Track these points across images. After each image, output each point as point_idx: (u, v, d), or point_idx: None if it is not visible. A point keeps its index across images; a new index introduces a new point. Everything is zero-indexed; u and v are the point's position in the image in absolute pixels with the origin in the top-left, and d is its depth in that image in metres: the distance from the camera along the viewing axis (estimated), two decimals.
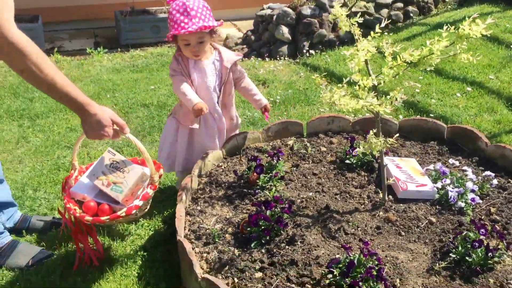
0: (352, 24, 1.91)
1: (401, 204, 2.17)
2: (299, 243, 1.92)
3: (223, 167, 2.47)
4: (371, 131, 2.00)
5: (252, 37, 5.54)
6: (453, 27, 1.87)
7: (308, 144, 2.60)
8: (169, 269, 2.13)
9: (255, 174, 2.25)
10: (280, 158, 2.37)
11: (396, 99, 1.93)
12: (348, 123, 2.70)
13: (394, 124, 2.68)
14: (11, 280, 2.14)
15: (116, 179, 2.02)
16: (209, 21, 2.23)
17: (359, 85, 1.90)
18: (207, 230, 2.04)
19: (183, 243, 1.88)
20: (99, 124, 1.85)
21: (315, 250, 1.88)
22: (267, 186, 2.27)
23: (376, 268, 1.72)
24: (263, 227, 1.93)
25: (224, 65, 2.37)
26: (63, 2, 6.14)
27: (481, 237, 1.79)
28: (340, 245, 1.91)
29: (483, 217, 2.06)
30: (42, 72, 1.67)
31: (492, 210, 2.10)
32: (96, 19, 6.37)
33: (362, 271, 1.69)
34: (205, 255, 1.93)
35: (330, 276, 1.74)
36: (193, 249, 1.96)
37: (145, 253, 2.25)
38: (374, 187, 2.29)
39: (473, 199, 2.09)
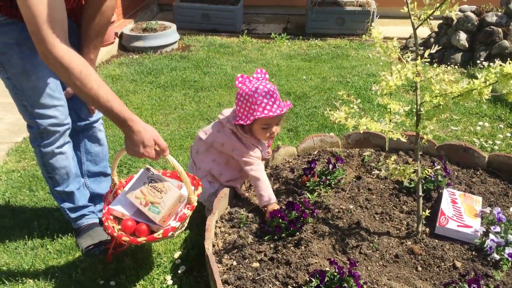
0: (391, 47, 1.88)
1: (436, 240, 2.06)
2: (303, 247, 2.02)
3: (292, 163, 2.63)
4: (392, 156, 1.95)
5: (431, 40, 5.29)
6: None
7: (382, 159, 2.57)
8: None
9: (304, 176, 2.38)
10: (337, 166, 2.42)
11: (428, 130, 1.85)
12: (433, 146, 2.56)
13: (482, 157, 2.45)
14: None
15: (153, 199, 2.02)
16: (286, 104, 2.27)
17: (388, 109, 1.88)
18: (240, 215, 2.27)
19: (207, 219, 2.15)
20: (141, 143, 1.87)
21: (311, 258, 1.96)
22: (315, 189, 2.37)
23: None
24: (275, 224, 2.08)
25: None
26: None
27: None
28: (339, 260, 1.95)
29: None
30: (86, 87, 1.75)
31: None
32: (292, 6, 6.81)
33: None
34: (226, 235, 2.18)
35: (311, 284, 1.83)
36: (219, 227, 2.22)
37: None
38: None
39: (510, 254, 1.87)
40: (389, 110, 1.87)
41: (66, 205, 2.41)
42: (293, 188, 2.42)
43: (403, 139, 1.81)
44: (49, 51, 1.70)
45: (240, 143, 2.32)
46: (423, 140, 1.93)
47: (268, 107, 2.19)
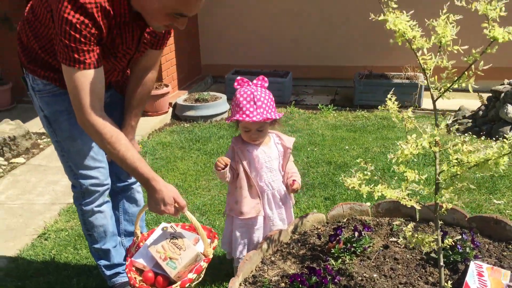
0: (406, 117, 1.94)
1: None
2: None
3: (320, 230, 2.66)
4: (410, 224, 1.95)
5: (480, 113, 5.26)
6: None
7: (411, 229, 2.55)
8: None
9: (330, 242, 2.40)
10: (363, 234, 2.43)
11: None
12: (464, 217, 2.53)
13: None
14: None
15: (172, 255, 2.16)
16: (272, 113, 2.36)
17: (406, 177, 1.92)
18: (264, 279, 2.31)
19: (230, 281, 2.21)
20: (162, 201, 2.06)
21: None
22: (340, 256, 2.39)
23: None
24: None
25: (286, 145, 2.57)
26: (313, 62, 7.00)
27: None
28: None
29: None
30: (115, 149, 2.00)
31: None
32: (340, 79, 7.01)
33: None
34: None
35: None
36: None
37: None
38: None
39: None
40: (405, 177, 1.90)
41: (102, 262, 2.55)
42: (319, 254, 2.44)
43: (418, 207, 1.83)
44: (86, 118, 1.96)
45: (229, 149, 2.57)
46: (442, 209, 1.94)
47: (247, 112, 2.30)
